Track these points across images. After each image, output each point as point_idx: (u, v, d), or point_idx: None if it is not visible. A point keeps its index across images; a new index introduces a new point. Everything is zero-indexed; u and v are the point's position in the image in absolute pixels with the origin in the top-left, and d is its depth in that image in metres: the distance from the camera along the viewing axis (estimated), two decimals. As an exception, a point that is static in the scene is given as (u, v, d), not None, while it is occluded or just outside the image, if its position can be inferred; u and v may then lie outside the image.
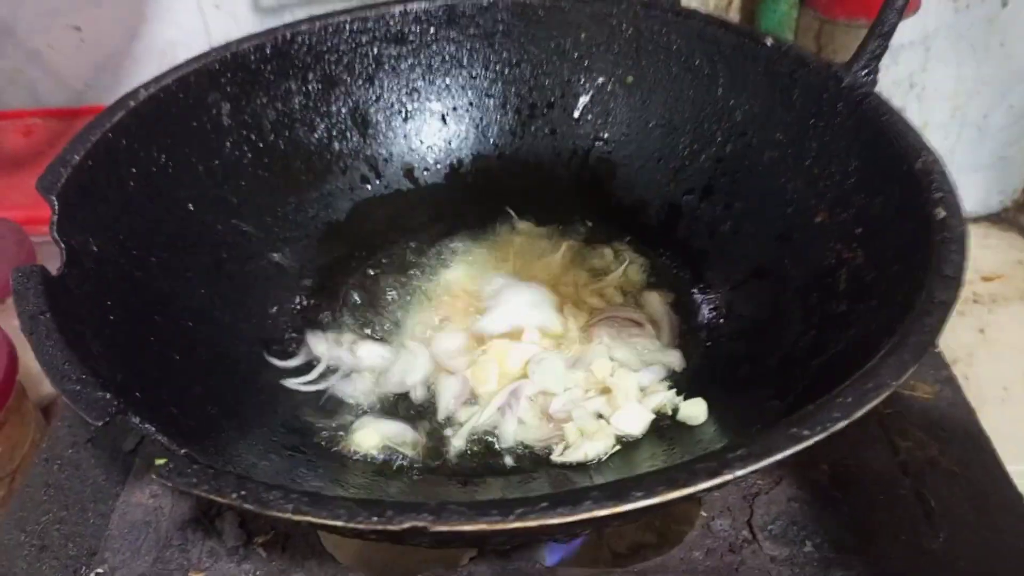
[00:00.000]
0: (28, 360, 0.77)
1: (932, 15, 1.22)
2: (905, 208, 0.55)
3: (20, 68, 1.18)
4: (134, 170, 0.63)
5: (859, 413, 0.39)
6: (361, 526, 0.35)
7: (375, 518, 0.35)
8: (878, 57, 0.66)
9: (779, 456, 0.37)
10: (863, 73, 0.65)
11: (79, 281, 0.52)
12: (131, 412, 0.41)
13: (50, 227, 0.53)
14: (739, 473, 0.36)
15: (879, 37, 0.65)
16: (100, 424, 0.40)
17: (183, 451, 0.40)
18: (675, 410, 0.60)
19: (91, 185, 0.58)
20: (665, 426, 0.61)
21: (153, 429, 0.41)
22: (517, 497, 0.36)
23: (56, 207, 0.54)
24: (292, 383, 0.65)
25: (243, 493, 0.36)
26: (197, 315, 0.62)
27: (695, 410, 0.59)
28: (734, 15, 1.21)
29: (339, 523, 0.35)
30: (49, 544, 0.57)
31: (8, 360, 0.73)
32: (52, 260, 0.93)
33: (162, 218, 0.64)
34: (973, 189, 1.43)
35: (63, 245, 0.53)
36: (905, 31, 1.24)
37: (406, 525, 0.35)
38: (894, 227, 0.56)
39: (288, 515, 0.35)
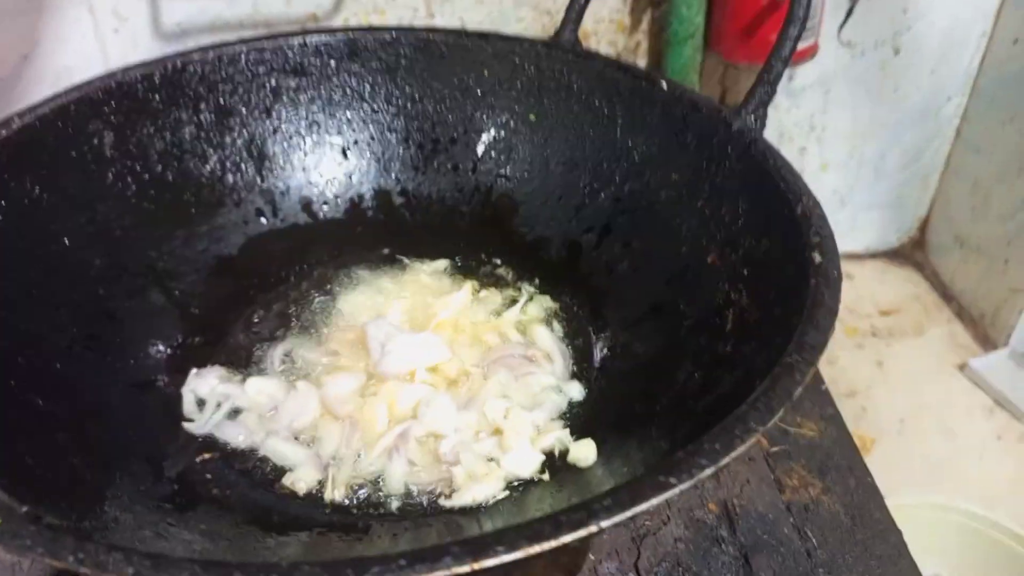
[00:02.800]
0: None
1: (831, 60, 1.27)
2: (786, 251, 0.56)
3: (-98, 87, 1.11)
4: (3, 203, 0.60)
5: (725, 460, 0.39)
6: (206, 591, 0.33)
7: (221, 581, 0.33)
8: (766, 103, 0.68)
9: (645, 505, 0.37)
10: (752, 118, 0.67)
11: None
12: (-33, 468, 0.38)
13: None
14: (604, 524, 0.36)
15: (766, 84, 0.67)
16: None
17: (24, 508, 0.38)
18: (565, 452, 0.60)
19: (-49, 219, 0.55)
20: (558, 466, 0.60)
21: (-8, 486, 0.38)
22: (373, 555, 0.34)
23: (-95, 243, 0.51)
24: (187, 425, 0.62)
25: (80, 556, 0.34)
26: (67, 356, 0.59)
27: (584, 451, 0.59)
28: (642, 58, 1.24)
29: (183, 587, 0.33)
30: None
31: None
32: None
33: (33, 252, 0.61)
34: (871, 226, 1.49)
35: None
36: (806, 74, 1.30)
37: (254, 589, 0.33)
38: (776, 270, 0.57)
39: (127, 580, 0.33)
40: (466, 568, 0.34)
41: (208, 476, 0.59)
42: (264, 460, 0.61)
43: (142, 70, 0.70)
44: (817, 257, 0.53)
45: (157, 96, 0.71)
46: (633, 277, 0.72)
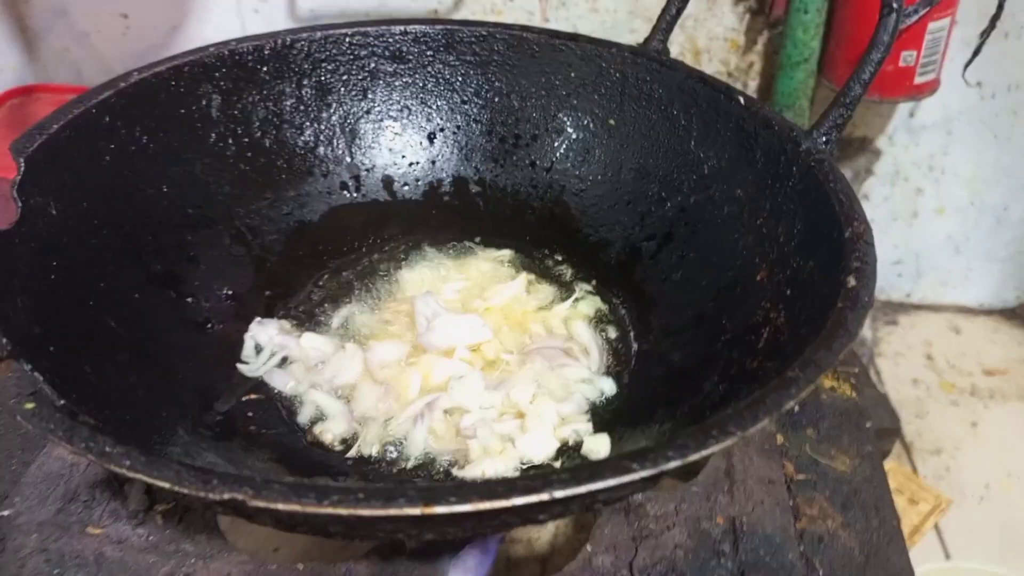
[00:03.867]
0: None
1: (956, 99, 1.21)
2: (825, 274, 0.55)
3: (68, 48, 1.25)
4: (112, 146, 0.67)
5: (693, 457, 0.39)
6: (185, 491, 0.37)
7: (199, 484, 0.37)
8: (839, 126, 0.66)
9: (600, 484, 0.38)
10: (822, 140, 0.66)
11: (27, 237, 0.56)
12: (23, 359, 0.44)
13: (11, 186, 0.57)
14: (557, 494, 0.37)
15: (842, 106, 0.66)
16: (-11, 360, 0.43)
17: (61, 402, 0.43)
18: (580, 443, 0.61)
19: (63, 153, 0.62)
20: (572, 456, 0.61)
21: (41, 379, 0.44)
22: (337, 485, 0.37)
23: (22, 168, 0.58)
24: (241, 367, 0.67)
25: (91, 445, 0.39)
26: (145, 288, 0.65)
27: (598, 445, 0.60)
28: (753, 79, 1.22)
29: (165, 485, 0.37)
30: (-31, 482, 0.60)
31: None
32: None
33: (132, 195, 0.68)
34: (987, 280, 1.40)
35: (19, 203, 0.56)
36: (929, 112, 1.24)
37: (226, 496, 0.36)
38: (813, 291, 0.56)
39: (123, 471, 0.38)
40: (416, 511, 0.36)
41: (250, 414, 0.64)
42: (303, 408, 0.65)
43: (254, 42, 0.77)
44: (852, 281, 0.51)
45: (265, 68, 0.78)
46: (684, 287, 0.72)
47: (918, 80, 1.07)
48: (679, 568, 0.55)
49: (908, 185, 1.31)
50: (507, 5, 1.19)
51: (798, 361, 0.46)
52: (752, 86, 1.23)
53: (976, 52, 1.10)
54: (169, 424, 0.57)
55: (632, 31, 1.19)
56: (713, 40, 1.20)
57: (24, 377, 0.43)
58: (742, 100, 0.72)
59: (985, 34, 1.08)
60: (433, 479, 0.59)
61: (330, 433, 0.63)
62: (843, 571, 0.56)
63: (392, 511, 0.36)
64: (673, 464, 0.39)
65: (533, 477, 0.38)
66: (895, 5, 0.64)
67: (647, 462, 0.39)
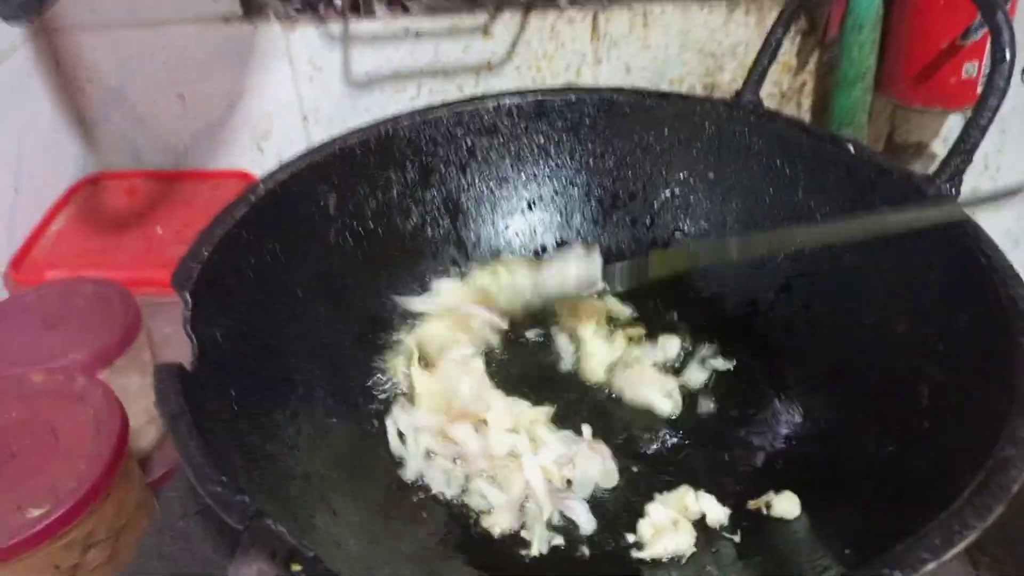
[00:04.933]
0: (130, 418, 0.82)
1: (1009, 96, 1.22)
2: (988, 331, 0.57)
3: (126, 133, 1.26)
4: (252, 260, 0.68)
5: (947, 556, 0.41)
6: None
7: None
8: (961, 171, 0.68)
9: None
10: (947, 186, 0.67)
11: (208, 374, 0.57)
12: (265, 515, 0.45)
13: (183, 322, 0.58)
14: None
15: (963, 153, 0.68)
16: (241, 528, 0.44)
17: (312, 554, 0.44)
18: (768, 504, 0.62)
19: (217, 278, 0.63)
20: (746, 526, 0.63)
21: (285, 531, 0.45)
22: None
23: (190, 303, 0.59)
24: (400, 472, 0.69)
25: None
26: (303, 394, 0.67)
27: (787, 505, 0.61)
28: (807, 98, 1.23)
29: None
30: (162, 612, 0.62)
31: (121, 425, 0.78)
32: (155, 321, 0.99)
33: (273, 305, 0.69)
34: (1047, 268, 1.42)
35: (195, 340, 0.58)
36: (980, 112, 1.25)
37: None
38: (977, 350, 0.57)
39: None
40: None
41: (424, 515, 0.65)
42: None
43: (360, 136, 0.78)
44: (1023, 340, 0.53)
45: (372, 159, 0.79)
46: (814, 339, 0.73)
47: (980, 91, 1.08)
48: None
49: (965, 185, 1.32)
50: (559, 50, 1.20)
51: (1004, 438, 0.47)
52: (806, 105, 1.25)
53: (1032, 56, 1.12)
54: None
55: (683, 63, 1.20)
56: (765, 64, 1.21)
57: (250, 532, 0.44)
58: (851, 148, 0.73)
59: (1041, 38, 1.10)
60: (624, 566, 0.61)
61: (498, 527, 0.64)
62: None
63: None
64: (930, 566, 0.41)
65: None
66: (1007, 54, 0.66)
67: (907, 568, 0.40)
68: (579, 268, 0.73)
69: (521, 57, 1.21)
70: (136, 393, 0.89)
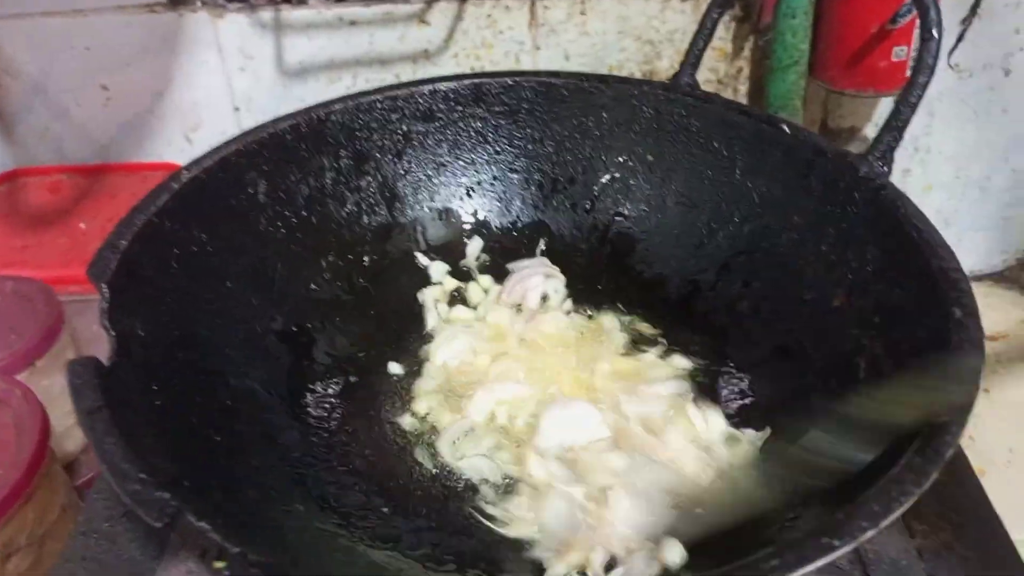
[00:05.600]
0: (53, 419, 0.78)
1: (936, 80, 1.25)
2: (923, 304, 0.57)
3: (48, 126, 1.21)
4: (176, 251, 0.65)
5: (885, 522, 0.41)
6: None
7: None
8: (892, 148, 0.69)
9: (811, 567, 0.39)
10: (879, 164, 0.68)
11: (128, 368, 0.54)
12: (187, 510, 0.43)
13: (100, 315, 0.55)
14: (777, 586, 0.38)
15: (894, 129, 0.68)
16: (159, 525, 0.42)
17: (236, 549, 0.42)
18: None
19: (137, 269, 0.61)
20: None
21: (209, 528, 0.43)
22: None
23: (107, 295, 0.56)
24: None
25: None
26: (235, 391, 0.64)
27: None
28: (743, 84, 1.24)
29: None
30: (88, 619, 0.59)
31: (41, 428, 0.75)
32: (80, 319, 0.95)
33: (202, 296, 0.67)
34: (975, 248, 1.46)
35: (113, 333, 0.55)
36: (910, 97, 1.28)
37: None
38: (911, 321, 0.58)
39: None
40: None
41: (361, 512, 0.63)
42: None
43: (290, 121, 0.76)
44: (957, 312, 0.54)
45: (303, 145, 0.77)
46: (755, 318, 0.73)
47: (910, 73, 1.10)
48: (820, 606, 0.57)
49: (896, 167, 1.34)
50: (497, 38, 1.19)
51: (939, 405, 0.47)
52: (742, 91, 1.26)
53: (959, 39, 1.15)
54: (305, 529, 0.56)
55: (622, 50, 1.20)
56: (702, 50, 1.22)
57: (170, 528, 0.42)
58: (787, 128, 0.74)
59: (967, 21, 1.13)
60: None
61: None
62: (967, 583, 0.58)
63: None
64: (869, 534, 0.40)
65: (746, 568, 0.39)
66: (935, 32, 0.66)
67: (847, 536, 0.40)
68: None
69: (459, 45, 1.19)
70: (59, 394, 0.84)
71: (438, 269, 0.84)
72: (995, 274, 1.50)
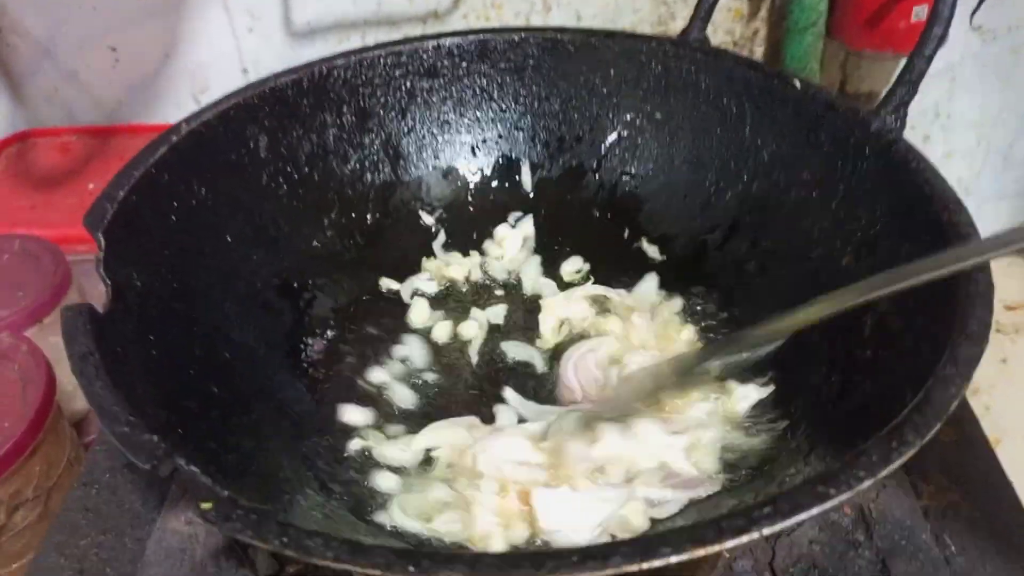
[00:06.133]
0: (61, 377, 0.79)
1: (958, 45, 1.22)
2: (933, 258, 0.55)
3: (57, 87, 1.21)
4: (175, 204, 0.65)
5: (884, 472, 0.40)
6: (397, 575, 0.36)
7: (411, 568, 0.36)
8: (906, 103, 0.66)
9: (804, 515, 0.38)
10: (892, 119, 0.66)
11: (124, 317, 0.54)
12: (176, 454, 0.43)
13: (96, 264, 0.55)
14: (766, 531, 0.37)
15: (907, 83, 0.66)
16: (147, 467, 0.42)
17: (226, 493, 0.42)
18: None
19: (135, 220, 0.60)
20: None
21: (197, 471, 0.43)
22: (549, 551, 0.37)
23: (102, 244, 0.56)
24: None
25: (285, 540, 0.38)
26: (235, 346, 0.64)
27: None
28: (759, 46, 1.22)
29: (376, 572, 0.36)
30: (87, 568, 0.59)
31: (47, 383, 0.75)
32: (87, 279, 0.95)
33: (202, 250, 0.66)
34: (997, 217, 1.43)
35: (109, 282, 0.54)
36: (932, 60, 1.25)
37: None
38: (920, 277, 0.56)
39: (329, 563, 0.37)
40: (634, 567, 0.36)
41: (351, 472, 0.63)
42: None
43: (292, 76, 0.75)
44: (968, 266, 0.52)
45: (305, 100, 0.75)
46: (763, 277, 0.72)
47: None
48: (820, 564, 0.56)
49: (915, 133, 1.32)
50: (507, -2, 1.17)
51: (946, 357, 0.46)
52: (758, 53, 1.23)
53: (981, 0, 1.11)
54: (299, 485, 0.56)
55: (636, 11, 1.18)
56: (718, 11, 1.19)
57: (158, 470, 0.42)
58: (797, 84, 0.72)
59: (990, -20, 1.10)
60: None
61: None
62: (972, 546, 0.57)
63: (610, 570, 0.36)
64: (866, 483, 0.39)
65: (736, 516, 0.38)
66: (954, -20, 0.64)
67: (843, 485, 0.39)
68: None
69: (468, 6, 1.18)
70: (66, 352, 0.85)
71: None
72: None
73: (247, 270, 0.69)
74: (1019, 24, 1.20)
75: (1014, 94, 1.28)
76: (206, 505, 0.40)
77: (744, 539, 0.37)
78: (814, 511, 0.38)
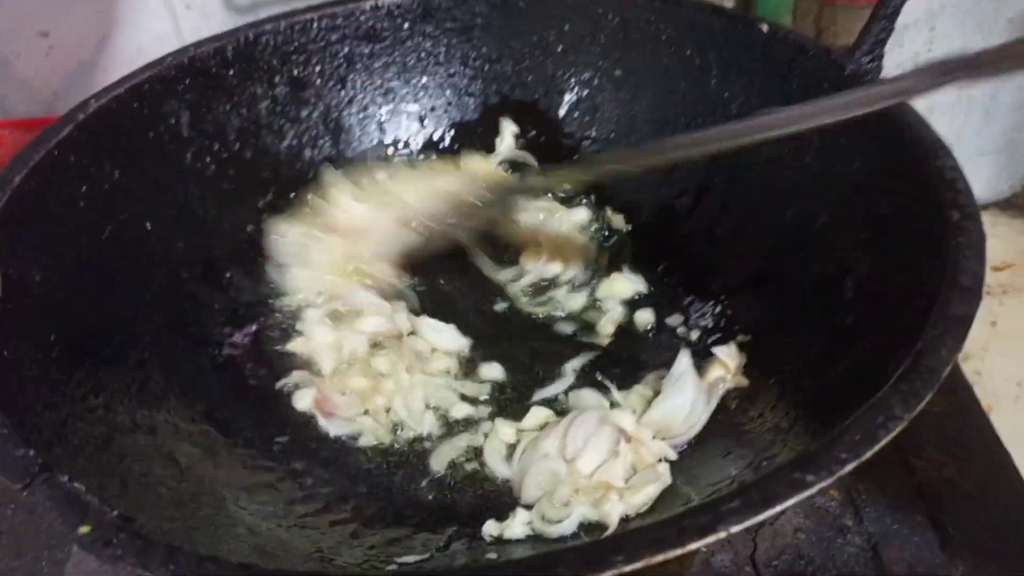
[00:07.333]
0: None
1: (937, -8, 1.17)
2: (915, 210, 0.50)
3: (-14, 78, 1.13)
4: (84, 188, 0.59)
5: (869, 453, 0.34)
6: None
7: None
8: (883, 41, 0.61)
9: (779, 507, 0.33)
10: (867, 60, 0.61)
11: (17, 314, 0.48)
12: (59, 469, 0.37)
13: (-15, 257, 0.49)
14: (734, 529, 0.32)
15: (883, 19, 0.61)
16: (20, 487, 0.36)
17: (115, 512, 0.36)
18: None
19: (35, 207, 0.54)
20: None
21: (83, 488, 0.37)
22: (488, 564, 0.31)
23: (-8, 235, 0.50)
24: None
25: (172, 567, 0.32)
26: (153, 344, 0.58)
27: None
28: (728, 2, 1.16)
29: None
30: (0, 595, 0.53)
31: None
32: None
33: (117, 238, 0.60)
34: (980, 174, 1.38)
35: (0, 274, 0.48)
36: (909, 10, 1.18)
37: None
38: (903, 231, 0.51)
39: (222, 591, 0.31)
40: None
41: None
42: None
43: (214, 44, 0.68)
44: (955, 215, 0.47)
45: (231, 71, 0.69)
46: (734, 243, 0.67)
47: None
48: (807, 554, 0.51)
49: (895, 89, 1.27)
50: (460, -39, 1.10)
51: (934, 317, 0.41)
52: (728, 5, 1.17)
53: (960, -58, 1.06)
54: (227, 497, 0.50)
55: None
56: (682, -32, 1.13)
57: (36, 490, 0.36)
58: (765, 28, 0.66)
59: (967, -79, 1.04)
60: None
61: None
62: (970, 526, 0.52)
63: (555, 584, 0.31)
64: (849, 467, 0.34)
65: (701, 511, 0.32)
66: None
67: (822, 471, 0.34)
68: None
69: (419, -29, 1.11)
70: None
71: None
72: (1001, 201, 1.43)
73: (170, 258, 0.63)
74: (999, -31, 1.15)
75: (996, 42, 1.21)
76: (84, 529, 0.34)
77: (710, 539, 0.32)
78: (789, 502, 0.33)
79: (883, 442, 0.35)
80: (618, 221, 0.74)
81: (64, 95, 1.15)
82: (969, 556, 0.50)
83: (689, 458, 0.53)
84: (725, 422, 0.54)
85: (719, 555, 0.51)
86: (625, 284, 0.68)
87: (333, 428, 0.58)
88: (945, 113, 1.30)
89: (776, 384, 0.55)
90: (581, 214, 0.74)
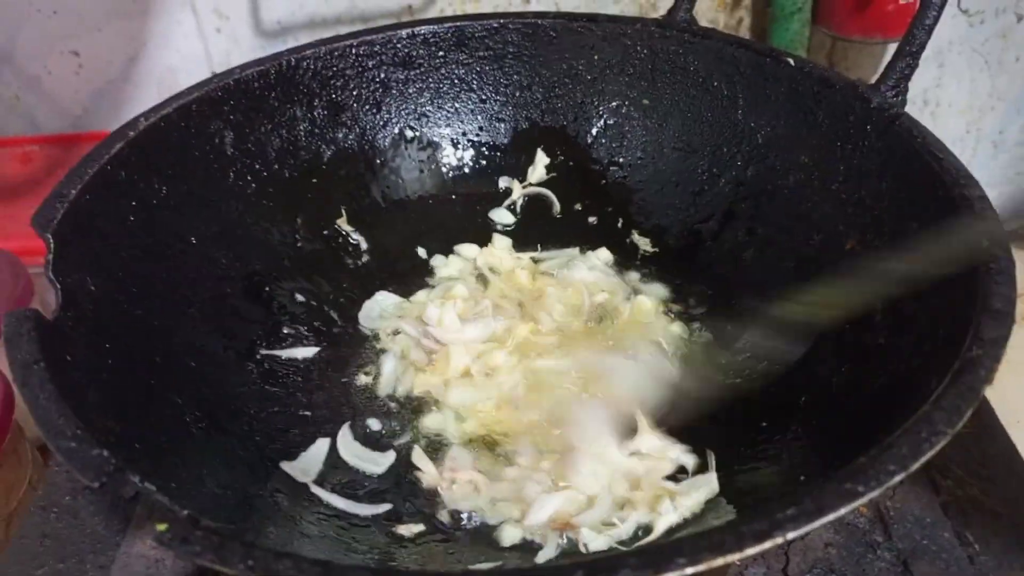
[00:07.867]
0: (25, 397, 0.74)
1: (946, 29, 1.20)
2: (944, 237, 0.52)
3: (18, 95, 1.16)
4: (134, 203, 0.61)
5: (915, 465, 0.36)
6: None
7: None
8: (907, 76, 0.63)
9: (832, 516, 0.34)
10: (891, 94, 0.63)
11: (75, 324, 0.49)
12: (129, 470, 0.38)
13: (45, 266, 0.51)
14: (790, 535, 0.33)
15: (908, 56, 0.63)
16: (96, 485, 0.37)
17: (185, 512, 0.37)
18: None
19: (89, 221, 0.56)
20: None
21: (154, 488, 0.38)
22: (554, 566, 0.33)
23: (52, 245, 0.51)
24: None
25: (251, 563, 0.33)
26: (200, 354, 0.59)
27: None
28: (744, 34, 1.19)
29: (356, 598, 0.32)
30: (45, 599, 0.54)
31: (5, 402, 0.70)
32: (51, 292, 0.90)
33: (163, 252, 0.62)
34: (989, 206, 1.41)
35: (59, 286, 0.50)
36: (918, 47, 1.22)
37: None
38: (932, 257, 0.53)
39: (301, 588, 0.33)
40: (646, 581, 0.32)
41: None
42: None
43: (258, 68, 0.70)
44: (985, 241, 0.49)
45: (272, 94, 0.71)
46: (760, 266, 0.68)
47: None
48: (838, 568, 0.52)
49: (905, 122, 1.30)
50: (485, -9, 1.13)
51: (970, 338, 0.42)
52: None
53: (970, -19, 1.09)
54: (268, 494, 0.51)
55: (617, 1, 1.15)
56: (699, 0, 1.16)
57: (110, 489, 0.37)
58: (792, 61, 0.68)
59: (978, -39, 1.07)
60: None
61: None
62: (996, 543, 0.54)
63: (620, 586, 0.32)
64: (897, 479, 0.36)
65: (757, 519, 0.34)
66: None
67: (872, 481, 0.35)
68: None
69: (445, 0, 1.14)
70: (25, 368, 0.80)
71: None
72: (1011, 233, 1.45)
73: (214, 273, 0.65)
74: (1007, 7, 1.18)
75: (1003, 79, 1.26)
76: (162, 527, 0.35)
77: (767, 545, 0.33)
78: (842, 511, 0.34)
79: (928, 455, 0.36)
80: (644, 244, 0.76)
81: (92, 112, 1.18)
82: (997, 573, 0.51)
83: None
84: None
85: (752, 568, 0.52)
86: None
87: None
88: (954, 146, 1.32)
89: (804, 403, 0.57)
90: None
